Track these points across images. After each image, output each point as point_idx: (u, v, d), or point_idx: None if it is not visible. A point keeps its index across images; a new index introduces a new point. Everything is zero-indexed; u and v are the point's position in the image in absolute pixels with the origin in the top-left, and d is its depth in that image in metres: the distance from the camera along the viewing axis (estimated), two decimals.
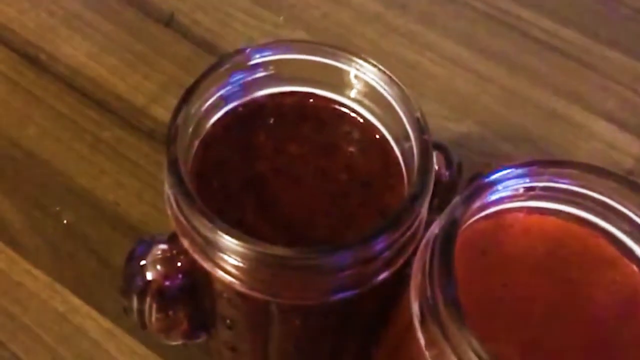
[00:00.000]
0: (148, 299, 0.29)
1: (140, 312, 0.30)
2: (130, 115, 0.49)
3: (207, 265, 0.26)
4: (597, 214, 0.27)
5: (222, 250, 0.25)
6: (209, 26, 0.53)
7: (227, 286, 0.26)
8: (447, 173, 0.30)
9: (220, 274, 0.25)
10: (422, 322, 0.24)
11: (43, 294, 0.42)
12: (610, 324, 0.26)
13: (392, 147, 0.29)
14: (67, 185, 0.46)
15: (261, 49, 0.28)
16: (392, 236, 0.25)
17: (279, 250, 0.24)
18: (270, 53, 0.28)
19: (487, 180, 0.26)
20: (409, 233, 0.26)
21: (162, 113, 0.49)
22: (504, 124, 0.50)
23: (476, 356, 0.22)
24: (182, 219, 0.25)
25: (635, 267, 0.27)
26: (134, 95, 0.50)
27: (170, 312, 0.29)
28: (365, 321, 0.30)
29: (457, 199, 0.25)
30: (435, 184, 0.28)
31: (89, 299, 0.42)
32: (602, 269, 0.27)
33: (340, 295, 0.25)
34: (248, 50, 0.28)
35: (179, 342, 0.33)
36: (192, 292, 0.29)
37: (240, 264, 0.25)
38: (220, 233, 0.24)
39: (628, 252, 0.27)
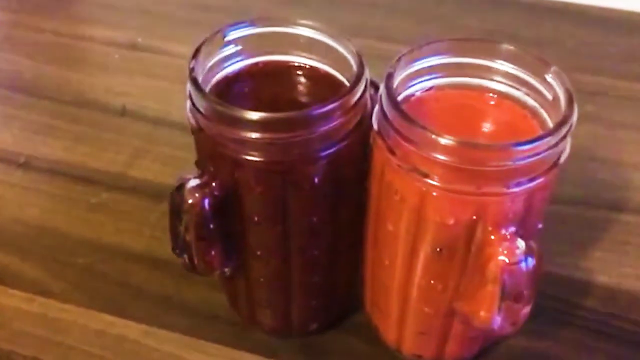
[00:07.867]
0: (194, 219, 0.38)
1: (187, 243, 0.39)
2: (112, 181, 0.58)
3: (228, 150, 0.36)
4: (480, 77, 0.40)
5: (232, 124, 0.35)
6: (156, 107, 0.65)
7: (248, 165, 0.36)
8: None
9: (240, 156, 0.36)
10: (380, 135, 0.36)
11: (80, 320, 0.49)
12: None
13: (337, 77, 0.41)
14: (76, 239, 0.54)
15: (234, 25, 0.40)
16: (346, 102, 0.36)
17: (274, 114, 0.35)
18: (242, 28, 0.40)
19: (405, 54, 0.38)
20: (357, 100, 0.37)
21: (139, 173, 0.59)
22: None
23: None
24: (202, 117, 0.37)
25: (510, 102, 0.40)
26: (111, 167, 0.59)
27: (211, 226, 0.38)
28: (352, 189, 0.40)
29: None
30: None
31: (119, 314, 0.49)
32: (492, 107, 0.40)
33: (325, 151, 0.36)
34: (223, 30, 0.40)
35: (217, 271, 0.41)
36: (223, 208, 0.38)
37: (248, 135, 0.35)
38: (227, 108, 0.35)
39: (509, 97, 0.40)
